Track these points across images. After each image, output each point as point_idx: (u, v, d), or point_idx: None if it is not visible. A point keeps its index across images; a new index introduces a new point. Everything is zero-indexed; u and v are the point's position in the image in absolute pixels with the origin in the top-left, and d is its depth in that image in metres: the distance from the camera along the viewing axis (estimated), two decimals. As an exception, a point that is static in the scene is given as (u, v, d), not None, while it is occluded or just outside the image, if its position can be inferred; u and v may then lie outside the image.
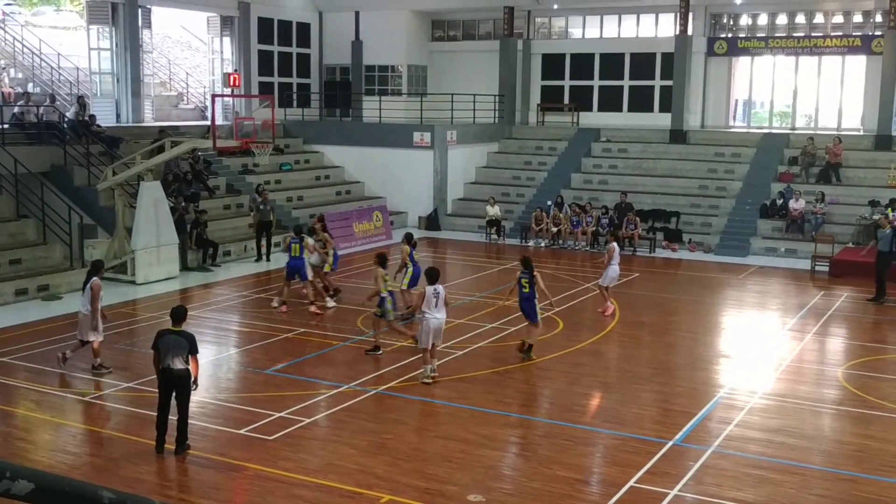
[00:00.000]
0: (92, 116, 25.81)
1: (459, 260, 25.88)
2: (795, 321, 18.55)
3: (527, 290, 15.21)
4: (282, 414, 12.35)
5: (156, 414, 11.11)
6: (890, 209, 24.91)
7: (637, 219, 27.03)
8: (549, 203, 28.61)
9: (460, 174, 32.07)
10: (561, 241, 27.51)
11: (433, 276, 14.18)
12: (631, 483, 10.23)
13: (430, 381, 13.78)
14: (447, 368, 14.65)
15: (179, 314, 11.27)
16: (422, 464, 11.00)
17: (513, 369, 14.75)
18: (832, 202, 26.67)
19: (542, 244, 27.60)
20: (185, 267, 22.67)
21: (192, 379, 11.05)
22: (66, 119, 25.21)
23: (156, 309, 18.69)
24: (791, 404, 13.25)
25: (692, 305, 20.11)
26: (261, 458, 10.87)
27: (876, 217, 24.87)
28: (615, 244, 19.13)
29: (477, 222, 29.79)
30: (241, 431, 11.75)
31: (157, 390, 11.28)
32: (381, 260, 15.88)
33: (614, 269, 18.82)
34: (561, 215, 27.79)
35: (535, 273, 15.31)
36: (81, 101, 26.49)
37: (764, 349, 16.44)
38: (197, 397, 13.19)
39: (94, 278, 14.27)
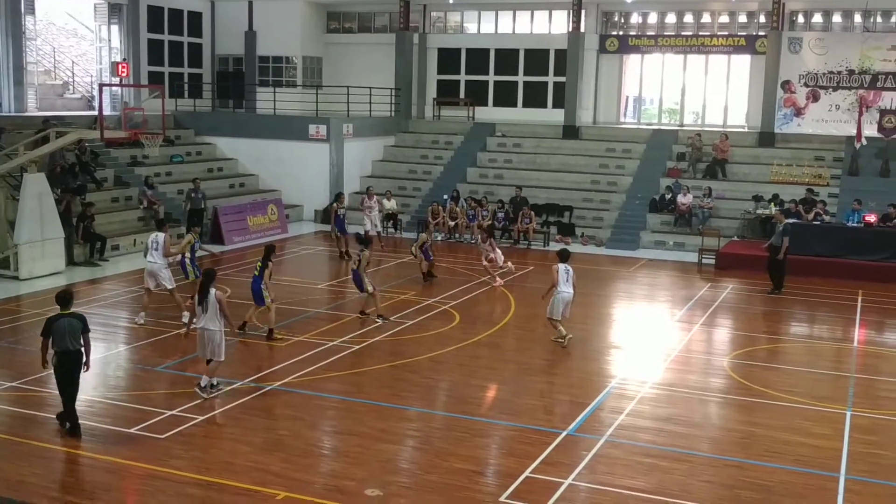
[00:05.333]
0: (-29, 105, 24.80)
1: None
2: (683, 312, 19.08)
3: (257, 273, 16.00)
4: (174, 412, 12.09)
5: (62, 401, 11.27)
6: (773, 204, 25.82)
7: (531, 213, 27.36)
8: (446, 197, 28.72)
9: (357, 167, 31.94)
10: (457, 235, 27.66)
11: (565, 255, 16.20)
12: (526, 473, 10.37)
13: (566, 343, 15.71)
14: (343, 363, 14.60)
15: (66, 297, 11.39)
16: (318, 459, 10.94)
17: (410, 363, 14.78)
18: (718, 197, 27.50)
19: (439, 238, 27.70)
20: (71, 262, 21.96)
21: (85, 360, 11.22)
22: (-57, 107, 24.14)
23: (41, 305, 18.04)
24: (680, 393, 13.63)
25: (584, 298, 20.39)
26: (152, 458, 10.62)
27: (760, 212, 25.81)
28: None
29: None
30: (132, 430, 11.46)
31: (40, 389, 11.03)
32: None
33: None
34: (457, 209, 27.93)
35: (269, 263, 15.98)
36: (-41, 89, 25.40)
37: (653, 340, 16.86)
38: (85, 396, 12.82)
39: (213, 290, 12.79)
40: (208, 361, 12.83)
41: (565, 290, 15.75)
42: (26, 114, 28.47)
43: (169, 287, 16.94)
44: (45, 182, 21.19)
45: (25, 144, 21.88)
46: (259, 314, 16.50)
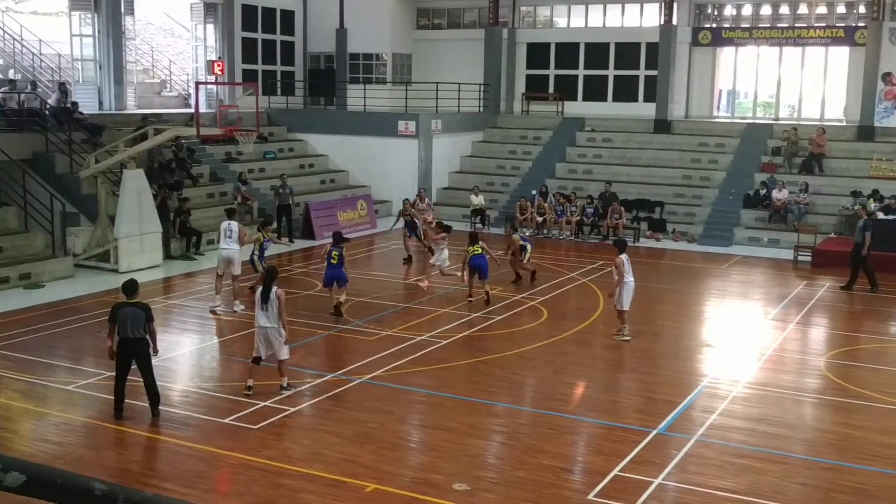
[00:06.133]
0: (74, 103, 25.63)
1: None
2: (778, 311, 18.65)
3: (335, 262, 17.08)
4: (266, 403, 12.33)
5: (114, 384, 11.75)
6: (872, 199, 25.06)
7: (621, 208, 27.08)
8: (534, 192, 28.63)
9: (445, 163, 32.05)
10: (545, 231, 27.55)
11: (623, 245, 16.34)
12: (615, 471, 10.27)
13: (628, 339, 15.77)
14: (431, 358, 14.67)
15: (132, 287, 11.94)
16: (407, 453, 11.03)
17: (497, 358, 14.78)
18: (815, 192, 26.79)
19: (527, 233, 27.58)
20: (168, 255, 22.57)
21: (152, 346, 11.72)
22: (48, 106, 25.02)
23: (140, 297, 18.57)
24: (773, 393, 13.33)
25: (676, 295, 20.19)
26: (245, 447, 10.85)
27: (858, 208, 25.03)
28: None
29: (461, 211, 29.75)
30: (226, 420, 11.73)
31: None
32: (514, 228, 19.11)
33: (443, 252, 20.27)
34: (546, 205, 27.82)
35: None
36: (63, 88, 26.30)
37: (747, 339, 16.53)
38: (181, 386, 13.21)
39: (276, 288, 12.64)
40: (256, 360, 12.66)
41: (631, 279, 15.80)
42: (126, 112, 29.37)
43: (236, 273, 17.67)
44: (143, 178, 21.80)
45: (125, 141, 22.54)
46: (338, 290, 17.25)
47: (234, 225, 17.81)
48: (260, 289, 12.66)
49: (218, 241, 18.35)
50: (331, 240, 17.94)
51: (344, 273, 17.22)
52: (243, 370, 13.55)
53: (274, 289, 12.50)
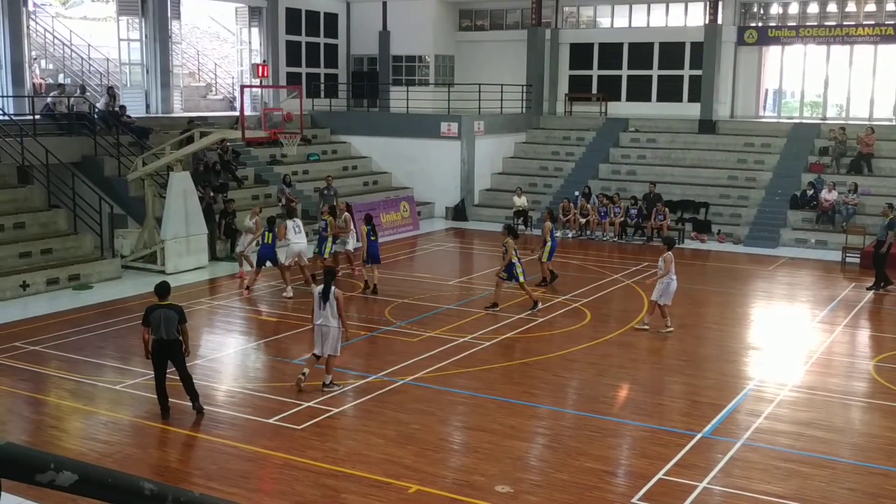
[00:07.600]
0: (122, 107, 25.98)
1: (486, 250, 25.83)
2: (826, 313, 18.39)
3: (374, 238, 19.32)
4: (310, 403, 12.41)
5: (154, 385, 11.95)
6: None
7: (666, 209, 26.88)
8: (577, 194, 28.52)
9: (487, 165, 32.04)
10: (589, 232, 27.43)
11: (673, 243, 17.19)
12: (660, 475, 10.19)
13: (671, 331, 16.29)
14: (474, 359, 14.67)
15: (165, 289, 12.05)
16: (449, 454, 11.04)
17: (540, 360, 14.75)
18: (864, 193, 26.38)
19: (570, 235, 27.51)
20: (213, 257, 22.82)
21: (184, 347, 11.87)
22: (97, 110, 25.39)
23: (185, 299, 18.79)
24: (821, 397, 13.16)
25: (721, 297, 20.00)
26: (289, 448, 10.94)
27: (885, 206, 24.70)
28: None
29: (504, 213, 29.71)
30: (270, 421, 11.82)
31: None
32: (512, 231, 18.33)
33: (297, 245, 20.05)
34: (589, 206, 27.69)
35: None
36: (111, 92, 26.66)
37: (794, 341, 16.32)
38: (226, 386, 13.33)
39: (334, 288, 12.92)
40: (316, 356, 12.95)
41: (675, 276, 16.40)
42: (172, 115, 29.73)
43: (304, 263, 19.50)
44: (189, 180, 22.05)
45: (171, 144, 22.81)
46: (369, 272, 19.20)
47: (299, 221, 19.98)
48: (321, 288, 12.94)
49: (279, 238, 19.50)
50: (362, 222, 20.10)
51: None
52: (288, 370, 13.67)
53: (333, 289, 12.81)
